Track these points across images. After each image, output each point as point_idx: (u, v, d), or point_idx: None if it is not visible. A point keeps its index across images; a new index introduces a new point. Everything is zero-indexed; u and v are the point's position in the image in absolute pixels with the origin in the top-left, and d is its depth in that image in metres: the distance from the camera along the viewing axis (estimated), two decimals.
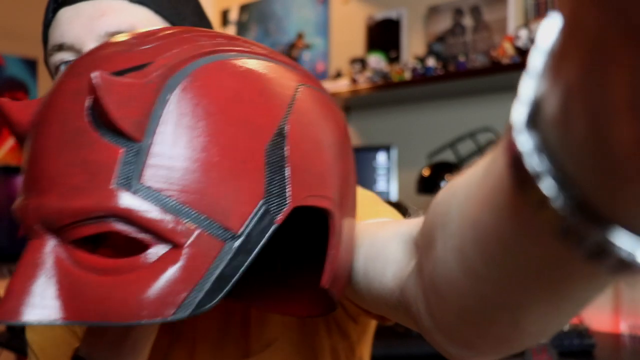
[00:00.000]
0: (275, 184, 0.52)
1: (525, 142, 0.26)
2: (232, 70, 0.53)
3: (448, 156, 2.92)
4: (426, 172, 2.78)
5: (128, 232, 0.49)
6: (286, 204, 0.52)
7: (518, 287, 0.34)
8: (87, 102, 0.50)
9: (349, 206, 0.60)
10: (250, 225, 0.51)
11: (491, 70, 2.66)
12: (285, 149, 0.53)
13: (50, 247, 0.50)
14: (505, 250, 0.33)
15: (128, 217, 0.48)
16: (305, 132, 0.55)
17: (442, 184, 2.64)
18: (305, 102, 0.57)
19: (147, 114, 0.49)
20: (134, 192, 0.48)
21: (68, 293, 0.49)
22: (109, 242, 0.63)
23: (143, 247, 0.49)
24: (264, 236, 0.51)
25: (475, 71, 2.72)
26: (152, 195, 0.48)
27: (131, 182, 0.48)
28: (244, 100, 0.52)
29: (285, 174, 0.53)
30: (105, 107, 0.47)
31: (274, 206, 0.52)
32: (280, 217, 0.52)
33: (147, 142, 0.49)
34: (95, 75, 0.47)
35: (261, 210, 0.51)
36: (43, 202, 0.49)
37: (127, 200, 0.48)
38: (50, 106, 0.52)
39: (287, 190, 0.53)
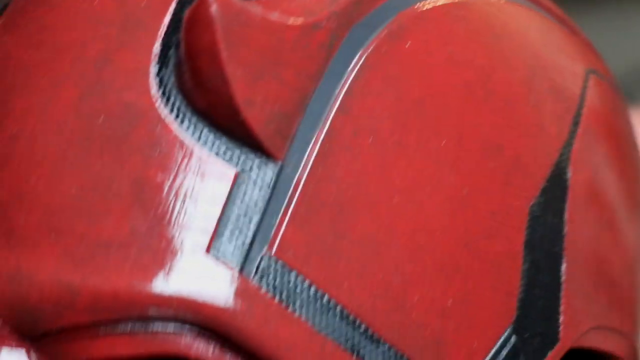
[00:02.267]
0: (538, 295, 0.24)
1: None
2: (474, 28, 0.25)
3: None
4: None
5: None
6: (556, 340, 0.24)
7: None
8: (157, 48, 0.22)
9: None
10: None
11: None
12: (564, 215, 0.25)
13: None
14: None
15: (237, 334, 0.20)
16: (596, 182, 0.27)
17: None
18: (598, 114, 0.28)
19: (300, 102, 0.21)
20: (255, 275, 0.21)
21: None
22: None
23: None
24: None
25: None
26: (295, 286, 0.21)
27: (250, 249, 0.21)
28: (497, 94, 0.24)
29: (560, 274, 0.25)
30: (226, 73, 0.19)
31: (530, 342, 0.24)
32: None
33: (292, 163, 0.21)
34: None
35: (508, 347, 0.24)
36: (15, 265, 0.21)
37: (241, 293, 0.21)
38: (44, 43, 0.23)
39: (558, 311, 0.25)
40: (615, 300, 0.27)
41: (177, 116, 0.21)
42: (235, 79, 0.20)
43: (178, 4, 0.22)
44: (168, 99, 0.21)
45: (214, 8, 0.20)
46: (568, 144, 0.25)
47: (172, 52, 0.21)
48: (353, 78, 0.22)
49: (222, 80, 0.20)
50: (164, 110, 0.21)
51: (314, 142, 0.21)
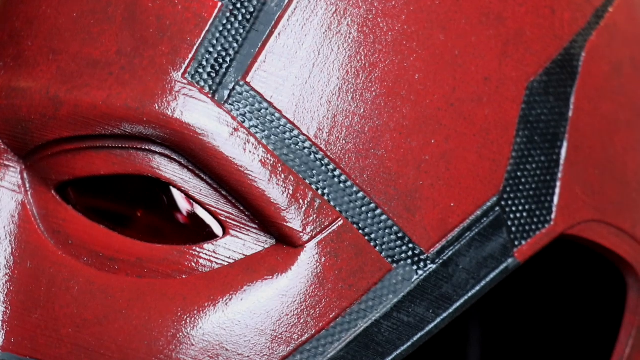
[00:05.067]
0: (531, 171, 0.23)
1: None
2: None
3: None
4: None
5: (187, 189, 0.21)
6: (546, 221, 0.23)
7: None
8: None
9: None
10: (461, 244, 0.22)
11: None
12: (570, 100, 0.24)
13: (6, 190, 0.23)
14: None
15: (201, 153, 0.21)
16: (614, 79, 0.25)
17: None
18: (631, 19, 0.26)
19: None
20: (227, 101, 0.21)
21: (33, 295, 0.22)
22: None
23: (208, 230, 0.22)
24: (488, 275, 0.22)
25: None
26: (265, 115, 0.21)
27: (225, 75, 0.21)
28: None
29: (559, 156, 0.23)
30: None
31: (517, 217, 0.23)
32: (526, 246, 0.23)
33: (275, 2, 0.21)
34: None
35: (490, 217, 0.22)
36: (16, 83, 0.22)
37: (210, 114, 0.21)
38: None
39: (553, 192, 0.23)
40: (629, 202, 0.25)
41: None
42: None
43: None
44: None
45: None
46: (584, 34, 0.24)
47: None
48: None
49: None
50: None
51: None
